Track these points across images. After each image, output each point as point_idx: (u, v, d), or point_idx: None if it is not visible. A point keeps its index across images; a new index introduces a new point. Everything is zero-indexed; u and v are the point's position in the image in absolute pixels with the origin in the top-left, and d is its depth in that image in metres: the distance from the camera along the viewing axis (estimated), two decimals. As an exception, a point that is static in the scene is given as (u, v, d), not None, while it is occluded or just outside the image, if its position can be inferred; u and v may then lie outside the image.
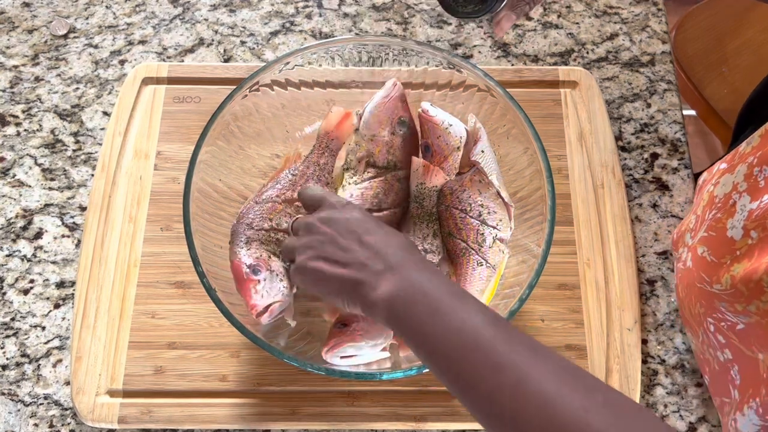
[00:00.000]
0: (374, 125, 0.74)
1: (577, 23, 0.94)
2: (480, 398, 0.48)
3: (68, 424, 0.72)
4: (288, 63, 0.75)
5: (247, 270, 0.67)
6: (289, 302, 0.70)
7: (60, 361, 0.75)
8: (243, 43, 0.93)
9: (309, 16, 0.95)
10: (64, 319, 0.77)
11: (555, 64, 0.91)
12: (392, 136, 0.75)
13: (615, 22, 0.94)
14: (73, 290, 0.78)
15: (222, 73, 0.88)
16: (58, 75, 0.90)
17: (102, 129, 0.87)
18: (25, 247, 0.80)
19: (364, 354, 0.66)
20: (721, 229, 0.65)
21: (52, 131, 0.87)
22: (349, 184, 0.74)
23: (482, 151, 0.75)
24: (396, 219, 0.74)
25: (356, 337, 0.65)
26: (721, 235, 0.65)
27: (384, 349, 0.67)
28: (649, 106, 0.89)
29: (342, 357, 0.65)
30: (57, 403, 0.73)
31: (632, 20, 0.94)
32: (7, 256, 0.80)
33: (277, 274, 0.68)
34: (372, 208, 0.72)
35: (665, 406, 0.73)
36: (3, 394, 0.73)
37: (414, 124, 0.77)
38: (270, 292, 0.67)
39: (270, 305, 0.67)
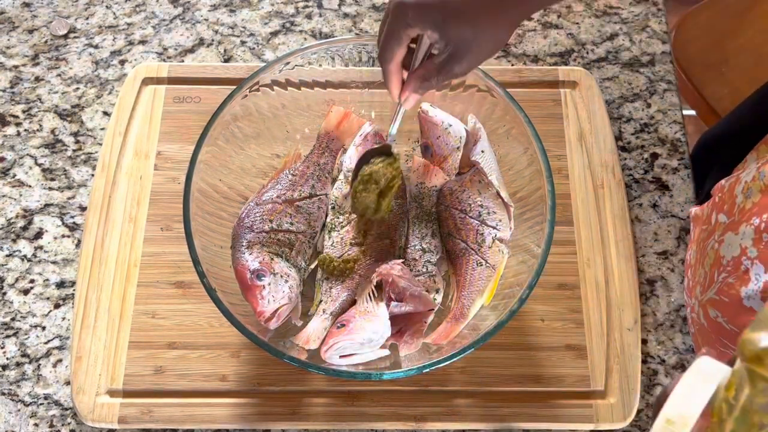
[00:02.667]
0: (356, 159, 0.76)
1: (577, 23, 0.94)
2: None
3: (68, 424, 0.72)
4: (288, 63, 0.75)
5: (251, 275, 0.67)
6: (296, 303, 0.70)
7: (60, 361, 0.75)
8: (243, 43, 0.93)
9: (309, 16, 0.95)
10: (64, 319, 0.77)
11: (555, 64, 0.91)
12: None
13: (615, 22, 0.94)
14: (73, 290, 0.78)
15: (222, 73, 0.88)
16: (59, 75, 0.90)
17: (102, 129, 0.87)
18: (25, 247, 0.80)
19: (364, 353, 0.66)
20: (734, 296, 0.64)
21: (52, 131, 0.87)
22: (333, 228, 0.75)
23: (482, 151, 0.75)
24: (383, 249, 0.74)
25: (354, 335, 0.65)
26: (737, 303, 0.64)
27: (383, 347, 0.67)
28: (649, 106, 0.89)
29: (341, 356, 0.65)
30: (57, 403, 0.73)
31: (632, 20, 0.94)
32: (7, 256, 0.80)
33: (282, 276, 0.68)
34: (353, 243, 0.73)
35: (665, 406, 0.73)
36: (3, 394, 0.74)
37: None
38: (276, 296, 0.67)
39: (277, 310, 0.67)
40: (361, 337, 0.65)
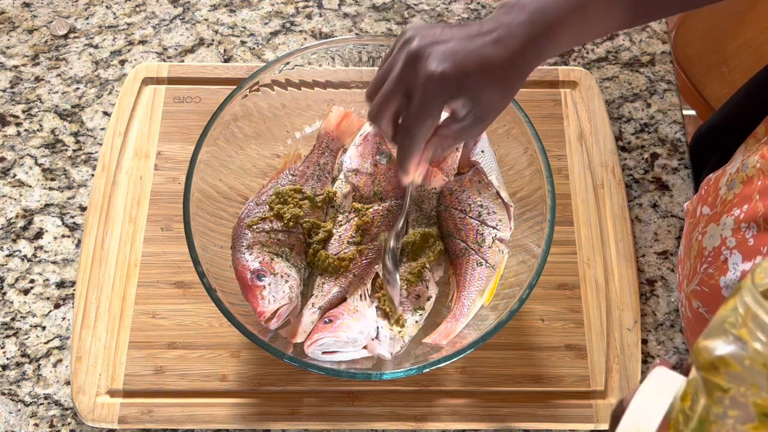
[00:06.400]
0: (356, 159, 0.76)
1: (577, 23, 0.94)
2: None
3: (68, 424, 0.72)
4: (288, 63, 0.75)
5: (252, 276, 0.67)
6: (297, 303, 0.70)
7: (60, 361, 0.75)
8: (243, 43, 0.93)
9: (309, 16, 0.95)
10: (64, 319, 0.77)
11: (555, 64, 0.91)
12: (375, 168, 0.76)
13: (615, 22, 0.94)
14: (73, 290, 0.78)
15: (222, 73, 0.88)
16: (59, 75, 0.90)
17: (102, 129, 0.87)
18: (25, 247, 0.80)
19: (347, 351, 0.66)
20: (714, 286, 0.64)
21: (53, 131, 0.87)
22: (334, 226, 0.75)
23: (482, 151, 0.75)
24: (379, 251, 0.73)
25: (339, 333, 0.65)
26: (716, 293, 0.64)
27: (365, 348, 0.67)
28: (649, 106, 0.89)
29: (324, 352, 0.65)
30: (57, 403, 0.73)
31: (632, 20, 0.94)
32: (8, 256, 0.80)
33: (282, 276, 0.68)
34: (351, 242, 0.73)
35: (665, 406, 0.73)
36: (3, 394, 0.74)
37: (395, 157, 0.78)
38: (276, 296, 0.67)
39: (277, 310, 0.67)
40: (345, 336, 0.65)
